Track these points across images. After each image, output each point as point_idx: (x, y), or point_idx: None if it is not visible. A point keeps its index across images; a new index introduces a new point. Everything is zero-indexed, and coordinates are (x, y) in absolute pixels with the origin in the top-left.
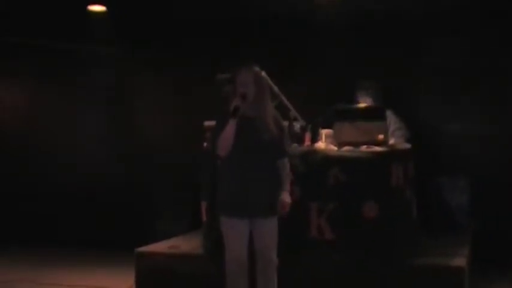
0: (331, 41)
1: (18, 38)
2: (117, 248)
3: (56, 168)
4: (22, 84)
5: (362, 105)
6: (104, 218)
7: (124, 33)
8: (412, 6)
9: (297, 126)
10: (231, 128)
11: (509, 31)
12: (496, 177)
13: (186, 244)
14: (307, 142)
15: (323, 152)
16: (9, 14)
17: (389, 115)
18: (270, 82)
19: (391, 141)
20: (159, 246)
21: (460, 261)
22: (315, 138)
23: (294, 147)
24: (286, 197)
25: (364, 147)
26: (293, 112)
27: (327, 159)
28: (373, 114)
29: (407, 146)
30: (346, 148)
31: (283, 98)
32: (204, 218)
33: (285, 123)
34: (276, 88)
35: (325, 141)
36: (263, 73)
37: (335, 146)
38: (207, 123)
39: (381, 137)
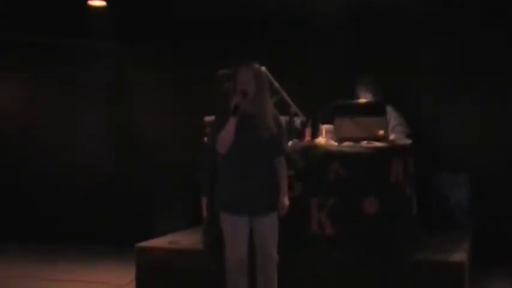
0: (331, 39)
1: (16, 34)
2: (117, 244)
3: (56, 165)
4: (20, 80)
5: (362, 100)
6: (104, 215)
7: (124, 30)
8: (412, 4)
9: (298, 121)
10: (231, 125)
11: (510, 31)
12: (496, 176)
13: (186, 240)
14: (308, 137)
15: (323, 147)
16: (7, 10)
17: (390, 111)
18: (271, 78)
19: (391, 136)
20: (159, 242)
21: (460, 256)
22: (315, 134)
23: (295, 143)
24: (286, 201)
25: (364, 143)
26: (293, 108)
27: (327, 155)
28: (373, 110)
29: (408, 141)
30: (346, 143)
31: (284, 94)
32: (205, 214)
33: (286, 119)
34: (276, 84)
35: (326, 136)
36: (263, 69)
37: (335, 141)
38: (207, 118)
39: (381, 132)
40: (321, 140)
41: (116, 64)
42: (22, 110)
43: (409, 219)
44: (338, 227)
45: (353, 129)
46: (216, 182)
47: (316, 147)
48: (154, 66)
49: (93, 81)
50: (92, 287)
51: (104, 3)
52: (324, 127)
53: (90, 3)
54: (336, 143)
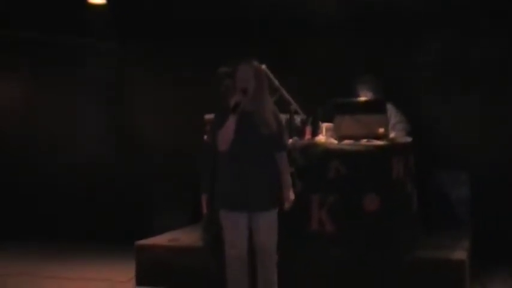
0: (331, 37)
1: (15, 32)
2: (117, 242)
3: (56, 164)
4: (19, 78)
5: (362, 98)
6: (104, 213)
7: (124, 30)
8: (412, 3)
9: (298, 119)
10: (231, 123)
11: (510, 31)
12: (496, 174)
13: (185, 237)
14: (308, 135)
15: (323, 145)
16: (6, 8)
17: (390, 108)
18: (271, 76)
19: (392, 134)
20: (159, 239)
21: (460, 254)
22: (315, 132)
23: (295, 141)
24: (291, 194)
25: (364, 141)
26: (294, 106)
27: (327, 153)
28: (374, 108)
29: (408, 139)
30: (346, 141)
31: (284, 92)
32: (205, 211)
33: (286, 117)
34: (276, 82)
35: (326, 134)
36: (263, 66)
37: (335, 139)
38: (207, 116)
39: (381, 130)
40: (321, 138)
41: (116, 64)
42: (22, 110)
43: (409, 217)
44: (338, 224)
45: (353, 127)
46: (216, 179)
47: (317, 145)
48: (155, 66)
49: (93, 80)
50: (91, 285)
51: (103, 1)
52: (324, 125)
53: (90, 1)
54: (336, 141)
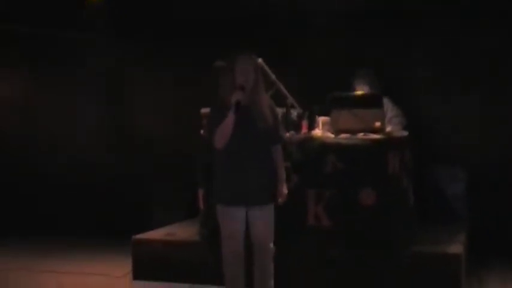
0: (331, 37)
1: (11, 26)
2: (114, 237)
3: (55, 158)
4: (16, 73)
5: (359, 92)
6: (104, 212)
7: (124, 30)
8: (412, 2)
9: (294, 113)
10: (230, 120)
11: (510, 31)
12: (493, 169)
13: (182, 232)
14: (304, 130)
15: (320, 139)
16: (4, 3)
17: (386, 102)
18: (267, 69)
19: (388, 128)
20: (156, 234)
21: (456, 248)
22: (312, 126)
23: (291, 135)
24: (284, 188)
25: (361, 135)
26: (290, 100)
27: (324, 147)
28: (370, 102)
29: (405, 133)
30: (343, 135)
31: (281, 86)
32: (202, 206)
33: (282, 111)
34: (273, 76)
35: (322, 128)
36: (260, 60)
37: (332, 133)
38: (204, 110)
39: (377, 124)
40: (317, 132)
41: (116, 64)
42: (21, 110)
43: (405, 211)
44: (335, 218)
45: (350, 121)
46: (212, 174)
47: (313, 139)
48: (155, 66)
49: (93, 80)
50: (88, 279)
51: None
52: (321, 119)
53: None
54: (332, 135)
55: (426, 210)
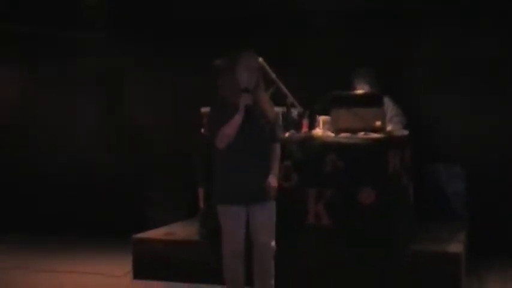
0: (331, 37)
1: (11, 26)
2: (114, 237)
3: (55, 158)
4: (16, 73)
5: (359, 91)
6: (103, 212)
7: (125, 30)
8: (412, 2)
9: (295, 112)
10: (236, 123)
11: (510, 31)
12: (492, 167)
13: (182, 231)
14: (305, 129)
15: (320, 138)
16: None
17: (387, 101)
18: (268, 68)
19: (389, 127)
20: (156, 233)
21: (456, 247)
22: (312, 125)
23: (292, 134)
24: (273, 181)
25: (361, 134)
26: (290, 98)
27: (324, 146)
28: (371, 101)
29: (405, 132)
30: (343, 135)
31: (281, 85)
32: (202, 205)
33: (283, 110)
34: (273, 74)
35: (323, 127)
36: (260, 59)
37: (332, 132)
38: (204, 109)
39: (378, 123)
40: (318, 131)
41: (116, 64)
42: (21, 110)
43: (405, 210)
44: (335, 217)
45: (350, 120)
46: (213, 173)
47: (313, 138)
48: (155, 66)
49: (93, 80)
50: (88, 279)
51: None
52: (321, 118)
53: None
54: (333, 134)
55: (426, 209)
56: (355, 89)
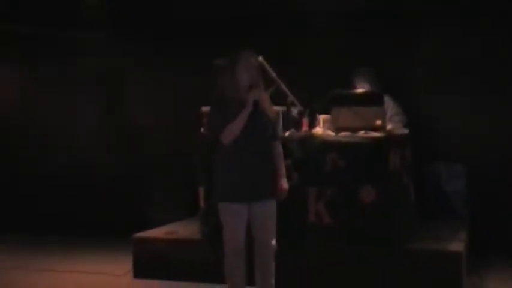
0: (331, 37)
1: (11, 26)
2: (114, 237)
3: (55, 158)
4: (16, 73)
5: (360, 90)
6: (103, 211)
7: (125, 30)
8: (412, 2)
9: (295, 111)
10: (243, 118)
11: (510, 31)
12: (493, 166)
13: (183, 230)
14: (305, 127)
15: (321, 137)
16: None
17: (387, 100)
18: (268, 67)
19: (389, 126)
20: (157, 232)
21: (457, 246)
22: (312, 124)
23: (292, 133)
24: (284, 184)
25: (361, 133)
26: (290, 97)
27: (324, 145)
28: (371, 100)
29: (405, 131)
30: (343, 133)
31: (281, 84)
32: (202, 204)
33: (283, 109)
34: (273, 73)
35: (323, 126)
36: (260, 58)
37: (333, 131)
38: (205, 108)
39: (378, 122)
40: (318, 129)
41: (116, 64)
42: (21, 110)
43: (406, 209)
44: (335, 216)
45: (350, 119)
46: (213, 172)
47: (314, 137)
48: (155, 66)
49: (93, 80)
50: (89, 278)
51: None
52: (322, 117)
53: None
54: (333, 133)
55: (427, 207)
56: (355, 87)
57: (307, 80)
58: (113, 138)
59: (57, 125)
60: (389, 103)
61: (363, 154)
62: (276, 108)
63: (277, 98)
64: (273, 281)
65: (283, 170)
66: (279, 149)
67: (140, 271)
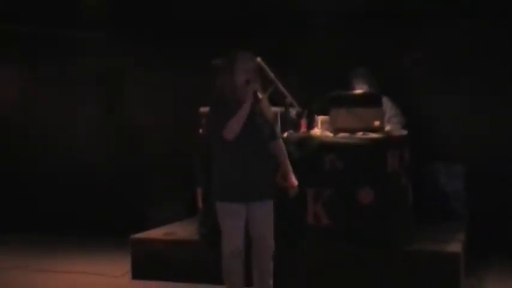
0: (331, 37)
1: (11, 26)
2: (114, 237)
3: (55, 158)
4: (16, 73)
5: (358, 91)
6: (103, 211)
7: (125, 30)
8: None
9: (293, 112)
10: (244, 111)
11: (510, 31)
12: (492, 167)
13: (181, 230)
14: (303, 128)
15: (319, 138)
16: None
17: (386, 102)
18: (266, 68)
19: (387, 127)
20: (155, 233)
21: (455, 247)
22: (311, 125)
23: (290, 134)
24: (294, 180)
25: (360, 134)
26: (289, 98)
27: (323, 146)
28: (369, 101)
29: (404, 132)
30: (342, 134)
31: (279, 85)
32: (200, 205)
33: (281, 110)
34: (272, 74)
35: (321, 127)
36: (258, 59)
37: (331, 132)
38: (203, 109)
39: (377, 123)
40: (316, 131)
41: (116, 64)
42: (21, 110)
43: (404, 210)
44: (334, 217)
45: (349, 120)
46: (212, 172)
47: (312, 138)
48: (155, 66)
49: (93, 80)
50: (87, 279)
51: None
52: (320, 118)
53: None
54: (331, 134)
55: (426, 208)
56: (353, 88)
57: (306, 80)
58: (113, 138)
59: (57, 125)
60: (387, 104)
61: (361, 155)
62: (274, 109)
63: (276, 99)
64: (271, 281)
65: (289, 167)
66: (281, 147)
67: (138, 272)
